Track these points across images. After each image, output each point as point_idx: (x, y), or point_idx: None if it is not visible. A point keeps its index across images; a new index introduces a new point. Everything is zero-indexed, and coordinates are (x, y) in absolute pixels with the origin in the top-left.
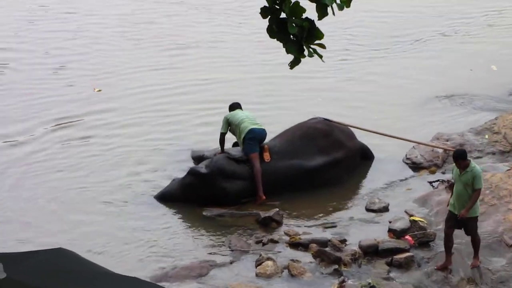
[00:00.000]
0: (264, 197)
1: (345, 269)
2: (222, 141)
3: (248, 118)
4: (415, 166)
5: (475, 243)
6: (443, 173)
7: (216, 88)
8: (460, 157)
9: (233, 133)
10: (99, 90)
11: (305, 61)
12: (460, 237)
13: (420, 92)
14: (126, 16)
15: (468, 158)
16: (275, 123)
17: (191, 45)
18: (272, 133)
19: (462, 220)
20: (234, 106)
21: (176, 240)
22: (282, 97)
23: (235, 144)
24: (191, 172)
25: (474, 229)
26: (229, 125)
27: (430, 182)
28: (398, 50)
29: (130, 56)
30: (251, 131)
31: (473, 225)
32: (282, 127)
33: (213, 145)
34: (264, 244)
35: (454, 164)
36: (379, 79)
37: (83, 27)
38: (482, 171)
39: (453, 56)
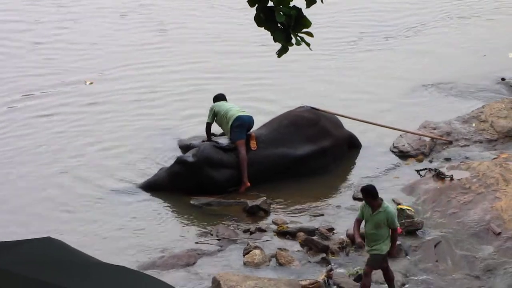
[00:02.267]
0: (248, 184)
1: (333, 257)
2: (208, 130)
3: (234, 107)
4: (402, 155)
5: (388, 276)
6: (430, 161)
7: (206, 71)
8: (368, 195)
9: (220, 124)
10: (91, 83)
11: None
12: (448, 225)
13: (407, 80)
14: None
15: (380, 197)
16: (262, 110)
17: (182, 26)
18: (259, 122)
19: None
20: (219, 97)
21: (163, 229)
22: (269, 84)
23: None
24: (179, 161)
25: (373, 263)
26: (216, 116)
27: (417, 171)
28: (387, 38)
29: (119, 35)
30: (239, 118)
31: (377, 260)
32: (269, 115)
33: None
34: (251, 233)
35: (363, 202)
36: (367, 67)
37: (76, 7)
38: (395, 212)
39: (440, 44)
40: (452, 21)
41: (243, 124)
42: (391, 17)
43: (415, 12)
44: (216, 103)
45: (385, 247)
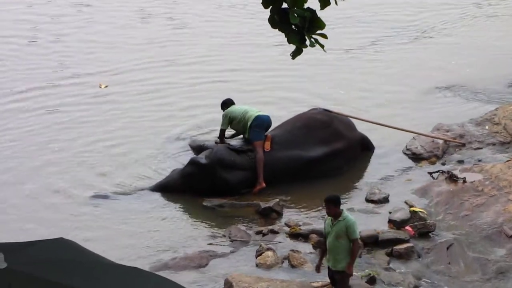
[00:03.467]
0: (264, 185)
1: None
2: (222, 137)
3: (251, 108)
4: (415, 157)
5: None
6: (443, 164)
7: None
8: (331, 201)
9: (236, 129)
10: (106, 86)
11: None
12: (460, 227)
13: (421, 82)
14: None
15: (341, 208)
16: (276, 110)
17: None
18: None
19: (334, 274)
20: (228, 103)
21: (176, 230)
22: (282, 84)
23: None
24: (192, 162)
25: (344, 285)
26: (231, 121)
27: (430, 173)
28: (400, 40)
29: (136, 31)
30: (258, 118)
31: (345, 281)
32: (284, 116)
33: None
34: (264, 235)
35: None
36: (379, 69)
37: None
38: (355, 221)
39: (454, 47)
40: (471, 23)
41: (262, 124)
42: (410, 17)
43: (435, 13)
44: (229, 109)
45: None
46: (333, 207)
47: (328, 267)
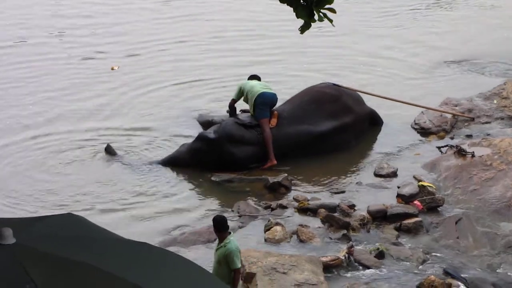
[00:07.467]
0: (275, 162)
1: (354, 234)
2: (231, 106)
3: (260, 84)
4: (424, 131)
5: None
6: (452, 138)
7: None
8: (216, 224)
9: (246, 101)
10: (118, 67)
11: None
12: (469, 201)
13: (429, 57)
14: None
15: (229, 231)
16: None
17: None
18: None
19: None
20: (252, 77)
21: (184, 205)
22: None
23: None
24: (200, 137)
25: None
26: (242, 93)
27: (439, 147)
28: (409, 15)
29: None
30: (262, 95)
31: None
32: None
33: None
34: (272, 209)
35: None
36: (388, 44)
37: None
38: (238, 249)
39: (463, 22)
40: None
41: (266, 101)
42: None
43: None
44: (244, 81)
45: None
46: (216, 231)
47: None
